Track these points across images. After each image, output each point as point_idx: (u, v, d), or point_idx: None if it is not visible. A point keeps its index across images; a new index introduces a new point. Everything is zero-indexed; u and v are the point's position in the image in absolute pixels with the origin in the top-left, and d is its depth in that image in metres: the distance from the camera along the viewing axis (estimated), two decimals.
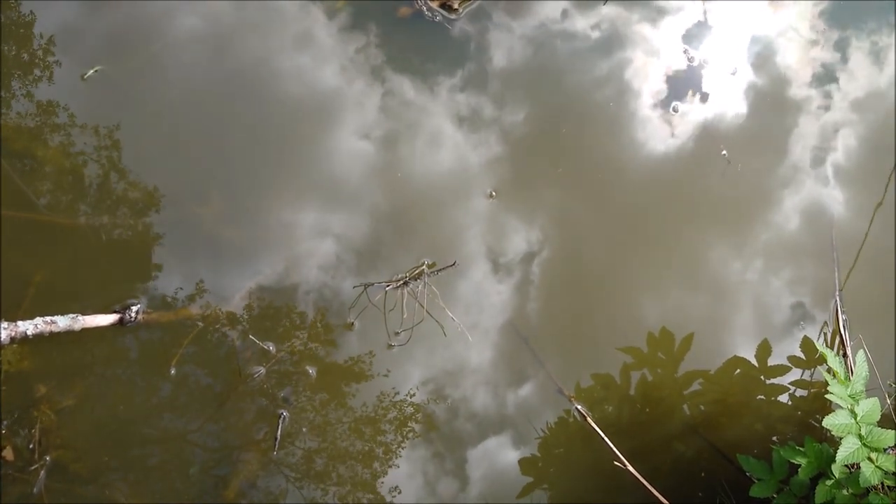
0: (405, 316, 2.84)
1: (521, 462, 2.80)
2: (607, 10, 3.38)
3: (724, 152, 3.17)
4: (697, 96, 3.30)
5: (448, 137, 3.13)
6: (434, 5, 3.27)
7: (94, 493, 2.59)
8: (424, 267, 2.90)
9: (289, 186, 2.99)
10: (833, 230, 3.11)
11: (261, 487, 2.67)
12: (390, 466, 2.76)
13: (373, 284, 2.87)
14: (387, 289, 2.85)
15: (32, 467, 2.57)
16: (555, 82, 3.25)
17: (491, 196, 3.04)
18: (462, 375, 2.86)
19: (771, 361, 2.95)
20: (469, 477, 2.78)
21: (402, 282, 2.86)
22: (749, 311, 3.02)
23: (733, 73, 3.34)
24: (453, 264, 2.90)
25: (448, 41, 3.27)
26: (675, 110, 3.25)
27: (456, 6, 3.27)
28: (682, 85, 3.31)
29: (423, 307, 2.84)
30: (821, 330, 3.01)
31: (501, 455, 2.81)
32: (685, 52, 3.34)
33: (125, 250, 2.85)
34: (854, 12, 3.48)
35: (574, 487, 2.81)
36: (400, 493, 2.74)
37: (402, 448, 2.78)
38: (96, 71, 3.02)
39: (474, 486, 2.77)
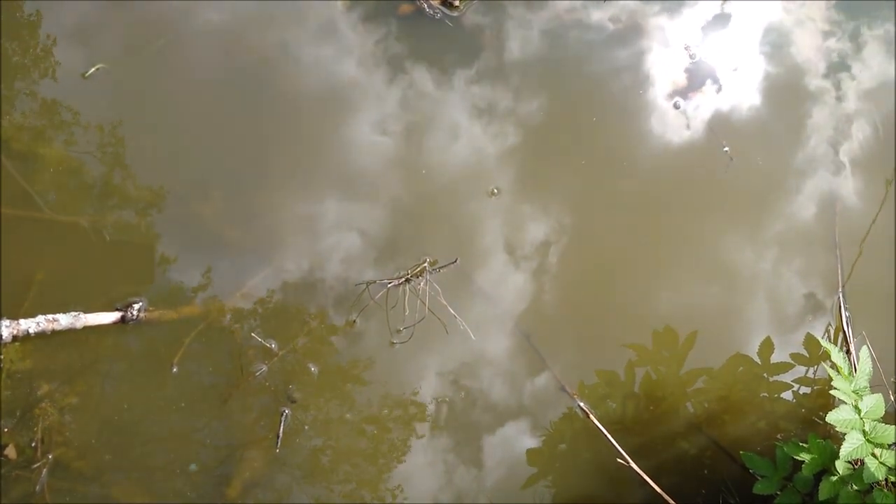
0: (407, 313, 2.83)
1: (529, 453, 2.80)
2: (613, 5, 3.37)
3: (725, 149, 3.16)
4: (712, 87, 3.29)
5: (454, 134, 3.13)
6: (435, 3, 3.27)
7: (96, 492, 2.59)
8: (426, 265, 2.89)
9: (288, 185, 2.99)
10: (836, 227, 3.10)
11: (264, 485, 2.67)
12: (395, 463, 2.75)
13: (375, 282, 2.86)
14: (388, 286, 2.85)
15: (35, 466, 2.57)
16: (566, 76, 3.24)
17: (493, 194, 3.04)
18: (470, 370, 2.85)
19: (780, 353, 2.94)
20: (484, 464, 2.77)
21: (403, 279, 2.85)
22: (761, 304, 3.00)
23: (739, 68, 3.33)
24: (455, 262, 2.90)
25: (448, 38, 3.26)
26: (677, 106, 3.24)
27: (456, 3, 3.26)
28: (695, 77, 3.30)
29: (424, 304, 2.83)
30: (825, 328, 3.00)
31: (516, 443, 2.80)
32: (689, 46, 3.33)
33: (127, 248, 2.84)
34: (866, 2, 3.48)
35: (578, 484, 2.81)
36: (404, 490, 2.73)
37: (408, 444, 2.77)
38: (98, 69, 3.01)
39: (488, 475, 2.76)
